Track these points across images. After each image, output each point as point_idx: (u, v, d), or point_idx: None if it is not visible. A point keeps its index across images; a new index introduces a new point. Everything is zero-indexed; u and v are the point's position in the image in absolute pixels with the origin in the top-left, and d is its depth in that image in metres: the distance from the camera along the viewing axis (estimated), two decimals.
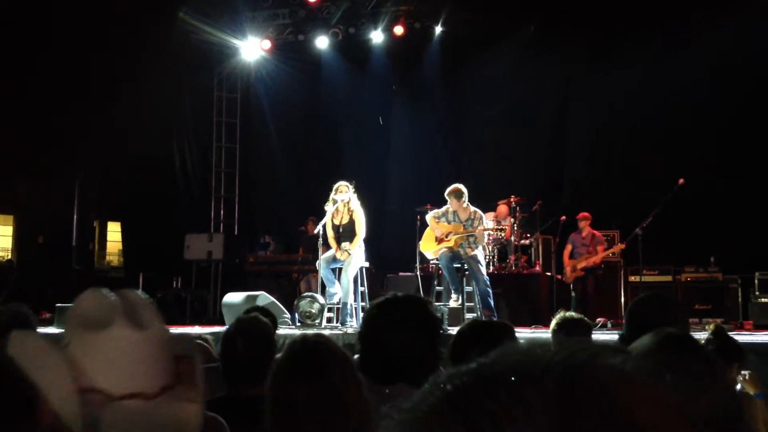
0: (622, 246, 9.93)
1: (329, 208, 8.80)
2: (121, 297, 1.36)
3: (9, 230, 14.36)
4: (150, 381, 1.30)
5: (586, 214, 10.35)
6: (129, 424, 1.25)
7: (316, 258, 9.00)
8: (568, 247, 10.34)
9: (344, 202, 8.79)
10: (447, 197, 8.83)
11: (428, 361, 2.42)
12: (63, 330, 1.33)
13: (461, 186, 8.84)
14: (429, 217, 9.13)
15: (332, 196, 8.81)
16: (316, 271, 9.08)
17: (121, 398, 1.26)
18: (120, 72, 12.54)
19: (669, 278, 10.04)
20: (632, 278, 9.92)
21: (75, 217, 12.30)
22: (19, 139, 12.81)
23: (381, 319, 2.42)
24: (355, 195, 8.89)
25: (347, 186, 8.83)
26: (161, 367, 1.33)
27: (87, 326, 1.30)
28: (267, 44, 13.41)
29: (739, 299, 9.80)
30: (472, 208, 8.88)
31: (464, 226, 8.79)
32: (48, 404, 1.92)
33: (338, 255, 8.78)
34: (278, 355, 2.07)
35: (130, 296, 1.37)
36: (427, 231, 9.22)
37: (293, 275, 11.66)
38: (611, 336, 7.37)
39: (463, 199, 8.79)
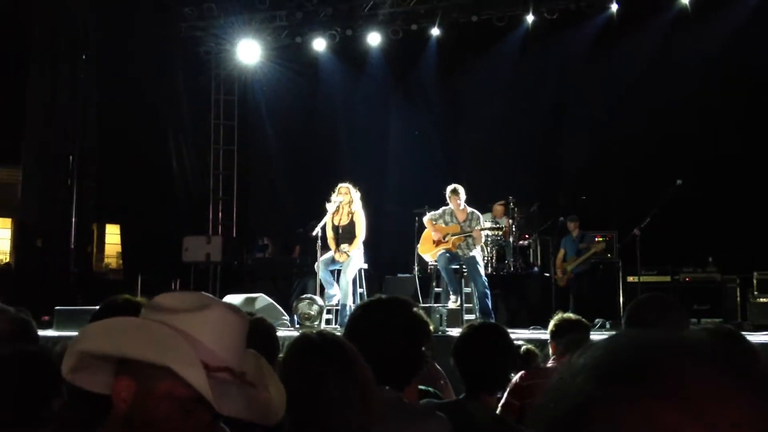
0: (603, 245, 10.02)
1: (329, 208, 8.80)
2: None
3: (8, 233, 14.35)
4: (237, 360, 1.42)
5: (573, 216, 10.43)
6: (228, 393, 1.35)
7: (315, 260, 9.00)
8: (562, 251, 10.39)
9: (343, 203, 8.79)
10: (448, 197, 8.90)
11: (411, 363, 2.44)
12: (145, 316, 1.43)
13: (458, 186, 8.91)
14: (426, 219, 9.16)
15: (332, 197, 8.83)
16: (315, 273, 9.08)
17: (216, 370, 1.36)
18: (118, 73, 12.54)
19: (667, 279, 10.04)
20: (630, 279, 9.92)
21: (73, 219, 12.28)
22: (17, 142, 12.81)
23: (365, 320, 2.43)
24: (358, 196, 8.88)
25: (348, 188, 8.83)
26: (243, 353, 1.46)
27: (182, 310, 1.40)
28: (264, 46, 13.42)
29: (738, 299, 9.81)
30: (470, 209, 8.93)
31: (461, 227, 8.82)
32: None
33: (337, 257, 8.78)
34: (287, 351, 2.06)
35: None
36: (425, 234, 9.23)
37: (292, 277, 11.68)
38: None
39: (461, 198, 8.83)
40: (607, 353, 0.67)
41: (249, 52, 13.49)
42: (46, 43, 12.32)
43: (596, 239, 10.29)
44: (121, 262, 15.29)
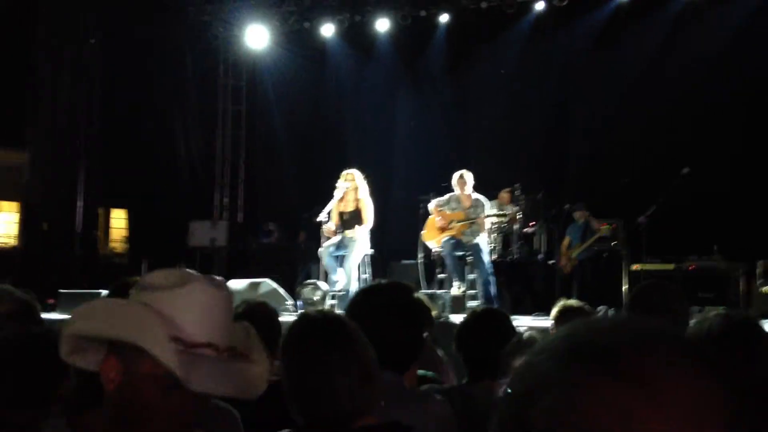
0: (609, 227, 9.96)
1: (336, 194, 8.80)
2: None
3: (15, 217, 14.40)
4: (221, 335, 1.41)
5: (581, 204, 10.43)
6: (206, 370, 1.35)
7: (319, 246, 9.02)
8: (567, 239, 10.38)
9: (349, 190, 8.77)
10: (454, 183, 8.89)
11: (411, 348, 2.44)
12: (132, 296, 1.44)
13: (466, 172, 8.89)
14: (431, 206, 9.15)
15: (338, 183, 8.82)
16: (319, 259, 9.09)
17: (196, 346, 1.36)
18: (124, 57, 12.54)
19: (670, 267, 10.01)
20: (634, 266, 9.90)
21: (79, 203, 12.32)
22: (23, 125, 12.84)
23: (364, 306, 2.43)
24: (365, 183, 8.86)
25: (354, 174, 8.81)
26: (230, 326, 1.45)
27: (164, 287, 1.41)
28: (273, 31, 13.39)
29: (741, 288, 9.77)
30: (475, 196, 8.91)
31: (466, 213, 8.81)
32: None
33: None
34: (288, 331, 2.05)
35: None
36: (429, 220, 9.21)
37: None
38: None
39: (467, 185, 8.82)
40: (568, 336, 0.69)
41: (257, 37, 13.46)
42: (51, 26, 12.31)
43: (598, 226, 10.28)
44: (126, 246, 15.34)
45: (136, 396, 1.36)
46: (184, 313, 1.38)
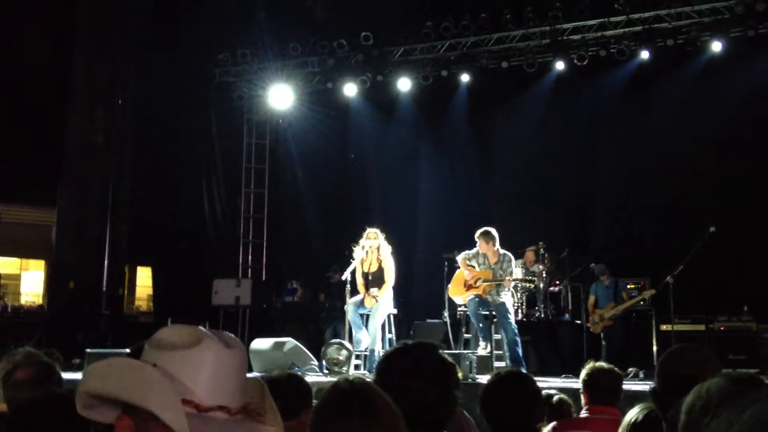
0: (653, 292, 9.78)
1: (358, 253, 8.82)
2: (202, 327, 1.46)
3: (42, 275, 14.56)
4: (233, 396, 1.37)
5: (603, 267, 10.38)
6: None
7: (344, 304, 8.99)
8: (592, 298, 10.28)
9: (372, 248, 8.79)
10: (476, 239, 8.85)
11: (443, 408, 2.40)
12: (144, 356, 1.40)
13: (491, 229, 8.85)
14: (460, 258, 9.11)
15: (361, 242, 8.84)
16: (344, 318, 9.05)
17: (209, 410, 1.33)
18: (153, 118, 12.79)
19: (701, 327, 9.84)
20: (664, 327, 9.74)
21: (106, 262, 12.41)
22: (53, 184, 13.05)
23: (393, 368, 2.40)
24: (386, 242, 8.90)
25: (376, 233, 8.85)
26: (243, 386, 1.41)
27: (175, 347, 1.37)
28: (296, 91, 13.61)
29: None
30: (502, 251, 8.85)
31: (493, 270, 8.76)
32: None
33: (366, 302, 8.77)
34: (319, 399, 2.04)
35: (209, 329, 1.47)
36: (457, 275, 9.18)
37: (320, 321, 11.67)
38: (643, 387, 7.23)
39: (492, 242, 8.78)
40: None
41: (281, 97, 13.68)
42: (84, 86, 12.61)
43: (626, 287, 10.15)
44: (151, 304, 15.39)
45: None
46: (195, 375, 1.35)
